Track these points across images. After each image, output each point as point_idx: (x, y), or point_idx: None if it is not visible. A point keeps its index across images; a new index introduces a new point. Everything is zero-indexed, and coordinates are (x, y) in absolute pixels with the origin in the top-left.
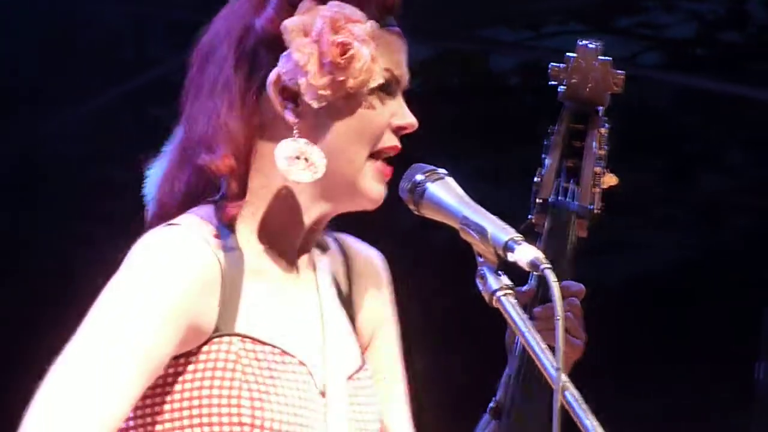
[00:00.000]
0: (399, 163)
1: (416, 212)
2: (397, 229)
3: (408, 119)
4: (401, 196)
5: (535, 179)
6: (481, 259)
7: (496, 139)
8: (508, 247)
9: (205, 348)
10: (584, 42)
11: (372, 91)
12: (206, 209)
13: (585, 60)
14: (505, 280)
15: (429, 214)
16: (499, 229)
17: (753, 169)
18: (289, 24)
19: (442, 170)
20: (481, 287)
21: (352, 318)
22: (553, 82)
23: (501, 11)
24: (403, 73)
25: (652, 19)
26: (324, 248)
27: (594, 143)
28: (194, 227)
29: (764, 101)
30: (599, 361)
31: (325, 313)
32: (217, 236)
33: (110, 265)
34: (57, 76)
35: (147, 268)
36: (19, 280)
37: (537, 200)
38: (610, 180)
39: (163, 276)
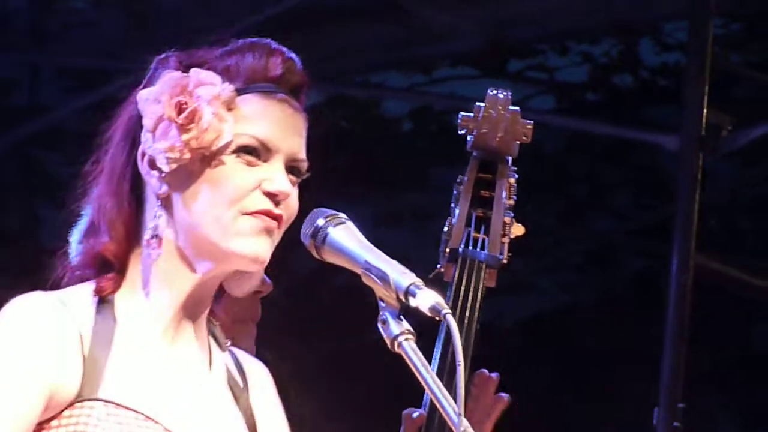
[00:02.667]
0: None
1: (318, 257)
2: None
3: (276, 186)
4: (303, 241)
5: (445, 228)
6: (383, 304)
7: (388, 184)
8: (409, 292)
9: (66, 413)
10: (494, 91)
11: (232, 153)
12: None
13: (495, 109)
14: (407, 325)
15: (331, 259)
16: (400, 274)
17: (641, 211)
18: (143, 93)
19: (342, 215)
20: (383, 332)
21: (247, 419)
22: (462, 131)
23: (392, 56)
24: (278, 142)
25: (544, 61)
26: (221, 346)
27: (504, 193)
28: (56, 293)
29: (654, 144)
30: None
31: (212, 393)
32: (87, 303)
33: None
34: None
35: (4, 334)
36: None
37: (446, 249)
38: (518, 230)
39: (19, 341)
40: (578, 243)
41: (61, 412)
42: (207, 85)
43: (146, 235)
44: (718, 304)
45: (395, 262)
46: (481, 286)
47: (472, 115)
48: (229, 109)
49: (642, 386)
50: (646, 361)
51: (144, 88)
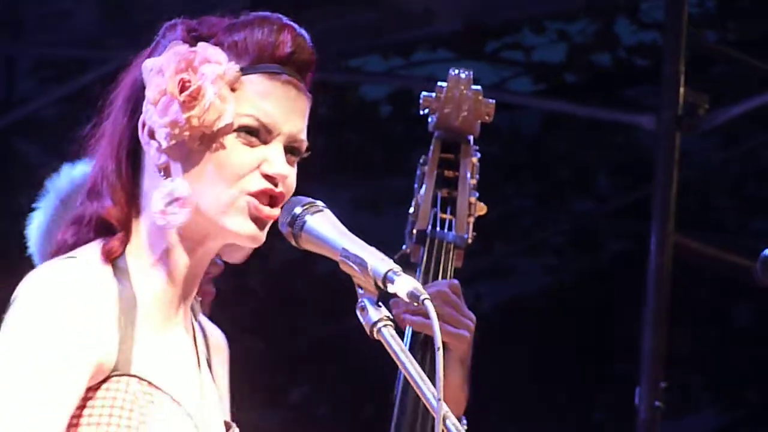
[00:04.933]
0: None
1: (296, 245)
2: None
3: (275, 169)
4: (281, 230)
5: (411, 209)
6: (361, 291)
7: (369, 169)
8: (387, 279)
9: (104, 386)
10: (456, 71)
11: (233, 133)
12: (94, 247)
13: (457, 89)
14: (385, 311)
15: (309, 246)
16: (378, 261)
17: (621, 192)
18: (148, 63)
19: (320, 202)
20: (361, 319)
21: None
22: (424, 111)
23: (370, 41)
24: (280, 123)
25: (521, 40)
26: (196, 316)
27: (468, 172)
28: (93, 260)
29: (632, 124)
30: (478, 386)
31: (202, 369)
32: (107, 271)
33: None
34: None
35: (49, 305)
36: None
37: (413, 231)
38: (481, 209)
39: (65, 313)
40: (558, 224)
41: (100, 384)
42: (212, 63)
43: (158, 204)
44: (697, 283)
45: (373, 248)
46: (450, 266)
47: (434, 95)
48: (233, 89)
49: (623, 366)
50: (627, 341)
51: (149, 56)
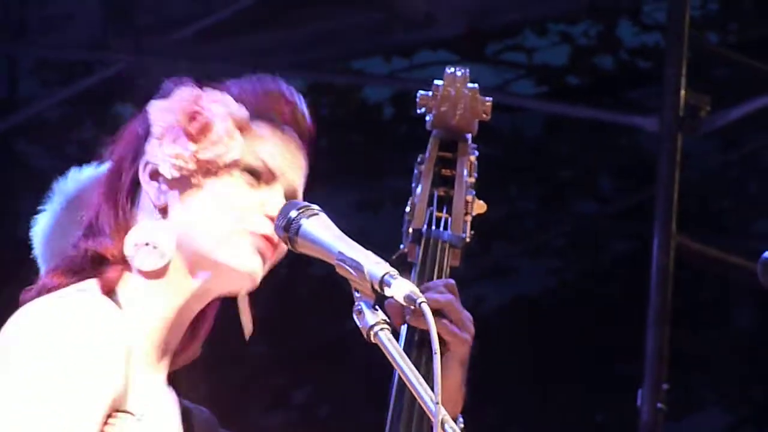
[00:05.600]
0: None
1: (292, 249)
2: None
3: (277, 210)
4: (276, 234)
5: (407, 209)
6: (358, 294)
7: (372, 170)
8: (384, 282)
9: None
10: (452, 69)
11: (237, 171)
12: (92, 281)
13: (453, 87)
14: (382, 314)
15: (305, 250)
16: (374, 264)
17: (624, 194)
18: (156, 102)
19: (315, 206)
20: (358, 322)
21: None
22: (421, 110)
23: (372, 43)
24: (282, 170)
25: (522, 42)
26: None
27: (465, 171)
28: (94, 292)
29: (634, 126)
30: (480, 387)
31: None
32: (113, 305)
33: None
34: None
35: (62, 341)
36: None
37: (409, 230)
38: (480, 207)
39: (82, 348)
40: (561, 226)
41: (105, 421)
42: (221, 102)
43: (136, 237)
44: (699, 284)
45: (369, 252)
46: (446, 266)
47: (431, 93)
48: (241, 130)
49: (626, 368)
50: (629, 342)
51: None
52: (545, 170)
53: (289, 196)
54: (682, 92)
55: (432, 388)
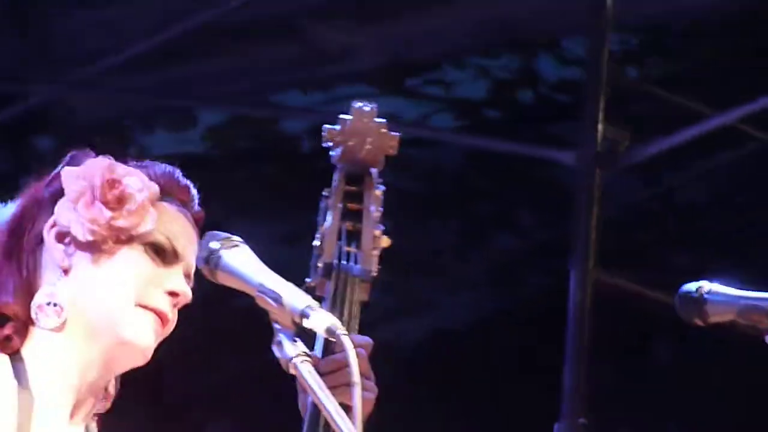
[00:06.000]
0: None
1: (212, 280)
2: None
3: (180, 287)
4: (197, 265)
5: (316, 242)
6: (278, 326)
7: (288, 203)
8: (304, 314)
9: None
10: (359, 104)
11: (145, 246)
12: None
13: (360, 121)
14: (302, 346)
15: (226, 281)
16: (294, 296)
17: (544, 228)
18: (68, 169)
19: (236, 237)
20: (277, 354)
21: None
22: (328, 144)
23: (290, 76)
24: (184, 250)
25: (442, 77)
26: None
27: (372, 205)
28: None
29: (553, 160)
30: (397, 423)
31: None
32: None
33: None
34: None
35: None
36: None
37: (318, 264)
38: (384, 242)
39: None
40: (480, 261)
41: None
42: (136, 176)
43: (40, 299)
44: (618, 319)
45: (290, 284)
46: (356, 299)
47: (338, 127)
48: (152, 206)
49: (544, 402)
50: (548, 377)
51: (53, 177)
52: (465, 204)
53: (186, 277)
54: (600, 127)
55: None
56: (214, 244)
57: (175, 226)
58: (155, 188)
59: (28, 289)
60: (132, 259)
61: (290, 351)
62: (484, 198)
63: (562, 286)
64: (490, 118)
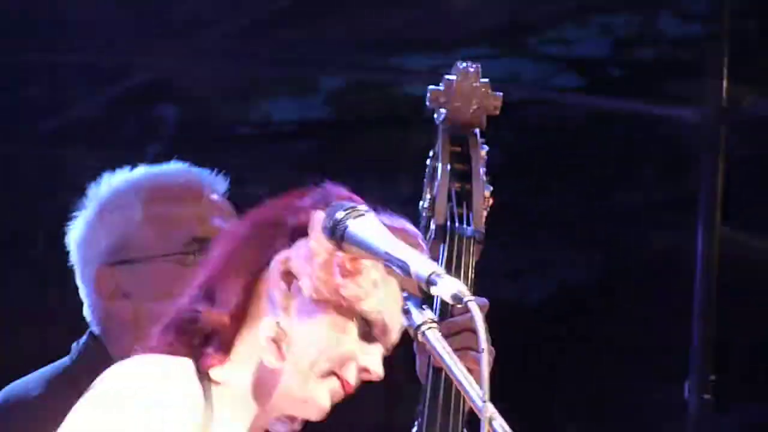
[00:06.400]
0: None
1: (339, 250)
2: None
3: (375, 368)
4: (323, 235)
5: (424, 204)
6: (405, 294)
7: (411, 166)
8: (430, 281)
9: None
10: (464, 64)
11: (358, 317)
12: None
13: (466, 82)
14: (429, 313)
15: (352, 251)
16: (421, 264)
17: (667, 186)
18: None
19: (362, 206)
20: (405, 322)
21: None
22: (432, 105)
23: (411, 38)
24: (392, 327)
25: (563, 35)
26: None
27: (480, 166)
28: (189, 372)
29: (677, 118)
30: (526, 381)
31: None
32: (195, 382)
33: None
34: None
35: (141, 410)
36: None
37: (431, 226)
38: (491, 201)
39: (151, 419)
40: (603, 219)
41: None
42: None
43: (269, 332)
44: (745, 276)
45: (417, 251)
46: (471, 261)
47: (442, 88)
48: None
49: (672, 360)
50: (675, 335)
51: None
52: (587, 163)
53: (385, 352)
54: (724, 83)
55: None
56: (339, 214)
57: (390, 300)
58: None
59: (243, 311)
60: (340, 327)
61: (418, 318)
62: (607, 156)
63: (686, 243)
64: (612, 76)
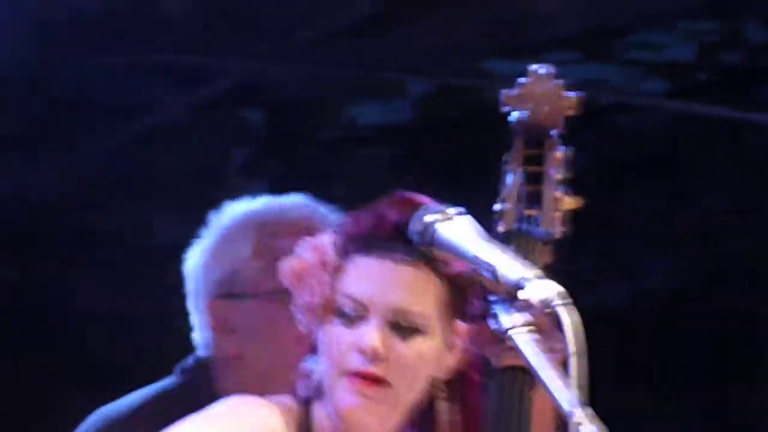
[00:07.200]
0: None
1: (428, 253)
2: None
3: (366, 341)
4: (412, 239)
5: (498, 206)
6: (493, 298)
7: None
8: (518, 286)
9: None
10: (536, 67)
11: (335, 313)
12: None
13: (539, 85)
14: (518, 316)
15: (441, 255)
16: (509, 267)
17: (754, 192)
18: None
19: (452, 210)
20: (493, 326)
21: None
22: (506, 108)
23: (497, 42)
24: (373, 300)
25: (650, 41)
26: None
27: (552, 168)
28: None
29: (764, 124)
30: (607, 388)
31: None
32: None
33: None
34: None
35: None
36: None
37: (500, 229)
38: (572, 203)
39: None
40: (690, 225)
41: None
42: (306, 249)
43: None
44: None
45: (505, 254)
46: (539, 262)
47: (516, 92)
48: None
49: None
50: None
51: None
52: (672, 168)
53: (392, 317)
54: None
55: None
56: (428, 218)
57: (360, 281)
58: (326, 256)
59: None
60: (328, 331)
61: (506, 323)
62: (693, 161)
63: None
64: (698, 81)
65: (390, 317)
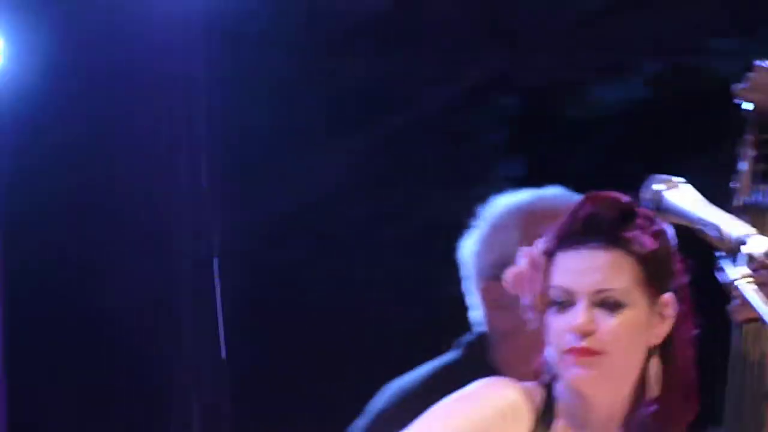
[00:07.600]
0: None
1: (658, 217)
2: None
3: (575, 321)
4: (644, 205)
5: (736, 184)
6: (718, 254)
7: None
8: (741, 241)
9: None
10: (761, 62)
11: (550, 305)
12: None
13: (763, 77)
14: (743, 269)
15: (670, 219)
16: (732, 226)
17: None
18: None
19: (677, 179)
20: (720, 279)
21: None
22: (738, 101)
23: (722, 22)
24: (575, 285)
25: None
26: None
27: None
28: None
29: None
30: None
31: None
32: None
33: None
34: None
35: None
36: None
37: (735, 203)
38: None
39: None
40: None
41: None
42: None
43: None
44: None
45: (727, 215)
46: None
47: (745, 84)
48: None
49: None
50: None
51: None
52: None
53: (595, 297)
54: None
55: None
56: (657, 186)
57: (564, 273)
58: (535, 260)
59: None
60: (547, 320)
61: (732, 274)
62: None
63: None
64: None
65: (594, 297)
